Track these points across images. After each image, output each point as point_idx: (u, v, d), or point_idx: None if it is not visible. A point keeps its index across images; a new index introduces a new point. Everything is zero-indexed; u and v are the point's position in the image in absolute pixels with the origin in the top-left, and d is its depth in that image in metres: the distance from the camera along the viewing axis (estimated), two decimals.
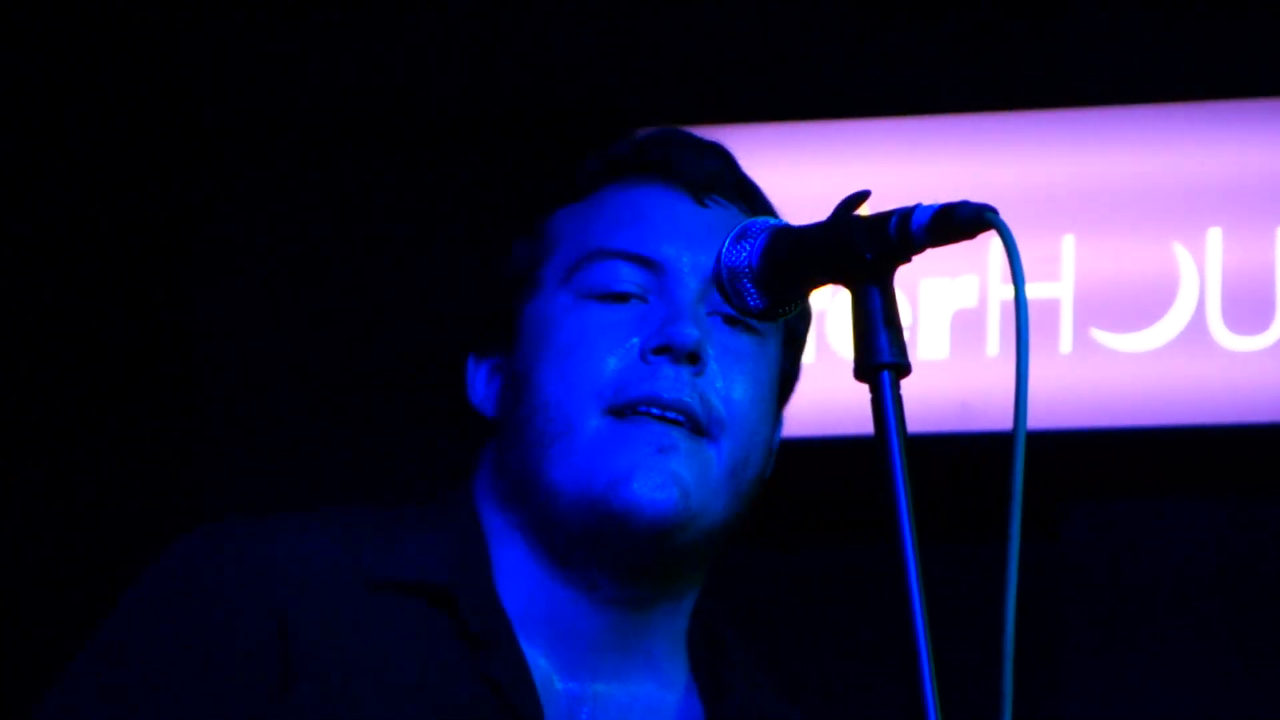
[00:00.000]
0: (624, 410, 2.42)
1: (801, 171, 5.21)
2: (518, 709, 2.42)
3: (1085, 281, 5.47)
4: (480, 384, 2.56)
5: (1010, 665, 2.08)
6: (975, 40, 5.64)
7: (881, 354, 2.15)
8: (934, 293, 5.50)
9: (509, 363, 2.51)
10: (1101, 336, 5.50)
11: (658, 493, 2.41)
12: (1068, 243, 5.50)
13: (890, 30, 5.62)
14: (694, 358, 2.43)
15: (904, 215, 2.15)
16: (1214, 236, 5.51)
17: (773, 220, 2.28)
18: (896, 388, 2.14)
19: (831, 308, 5.22)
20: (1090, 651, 5.56)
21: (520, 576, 2.48)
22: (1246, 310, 5.48)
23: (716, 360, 2.45)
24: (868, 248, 2.17)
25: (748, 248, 2.24)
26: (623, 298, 2.46)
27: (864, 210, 2.21)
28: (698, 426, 2.43)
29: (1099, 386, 5.48)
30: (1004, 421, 5.03)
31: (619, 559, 2.45)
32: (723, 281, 2.25)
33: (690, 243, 2.48)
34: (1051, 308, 5.45)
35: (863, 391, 2.16)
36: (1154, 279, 5.51)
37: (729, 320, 2.47)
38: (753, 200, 2.55)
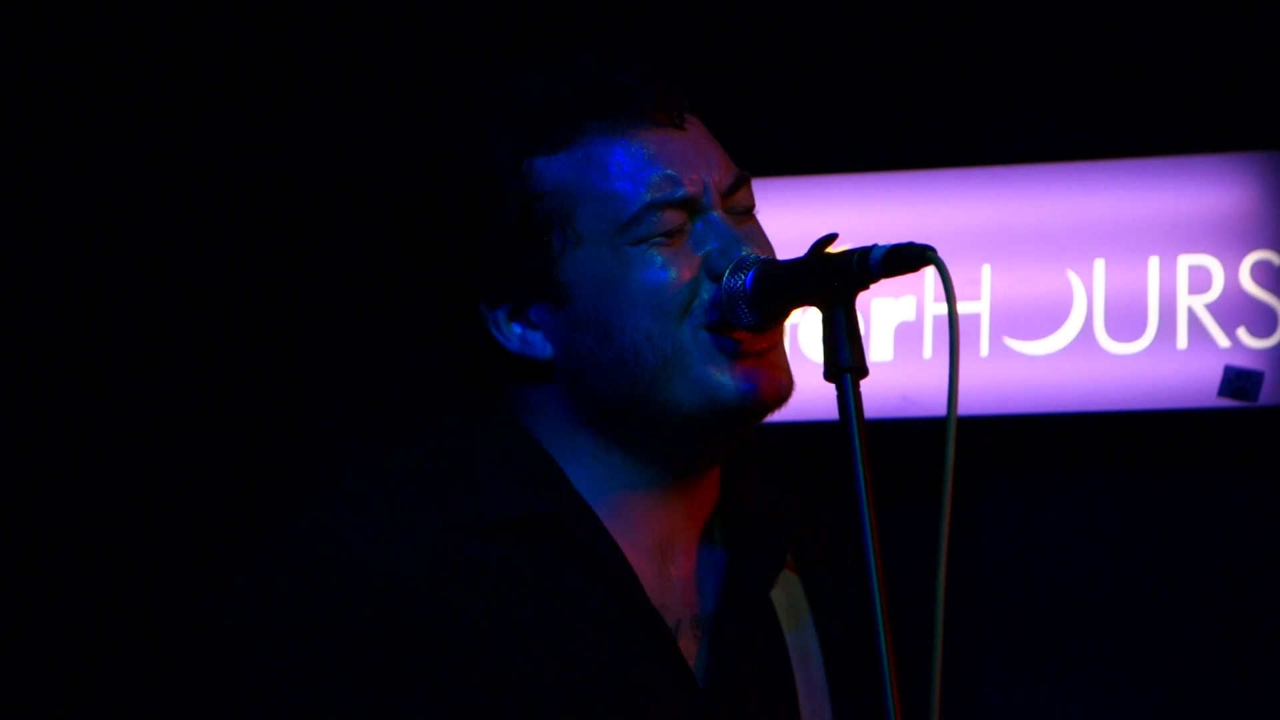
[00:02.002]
0: (718, 327, 2.26)
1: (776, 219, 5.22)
2: (642, 615, 2.26)
3: (1000, 301, 5.46)
4: (512, 332, 2.31)
5: (942, 598, 2.13)
6: (914, 111, 5.67)
7: (845, 360, 2.19)
8: (881, 310, 5.50)
9: (565, 311, 2.29)
10: (1012, 343, 5.48)
11: (775, 384, 2.29)
12: (986, 270, 5.49)
13: (847, 98, 5.63)
14: None
15: (863, 253, 2.19)
16: (1099, 266, 5.50)
17: (762, 257, 2.27)
18: (856, 386, 2.18)
19: (804, 323, 5.22)
20: (1004, 591, 5.54)
21: (606, 490, 2.30)
22: (1124, 323, 5.47)
23: None
24: (835, 278, 2.20)
25: (742, 277, 2.26)
26: (677, 238, 2.28)
27: (833, 248, 2.24)
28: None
29: (1010, 382, 5.45)
30: (937, 410, 5.08)
31: (725, 445, 2.34)
32: (722, 302, 2.26)
33: (700, 167, 2.31)
34: (974, 321, 5.43)
35: (829, 388, 2.21)
36: (1053, 298, 5.50)
37: (744, 214, 2.35)
38: (693, 99, 2.36)
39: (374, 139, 5.70)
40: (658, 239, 2.27)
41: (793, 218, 4.73)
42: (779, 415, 2.42)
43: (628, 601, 2.26)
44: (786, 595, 2.39)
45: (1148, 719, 5.43)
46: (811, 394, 2.50)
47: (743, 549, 2.36)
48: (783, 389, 2.30)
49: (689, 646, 2.29)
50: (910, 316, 5.51)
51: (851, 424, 2.17)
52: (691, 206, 2.30)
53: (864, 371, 2.19)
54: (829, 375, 2.20)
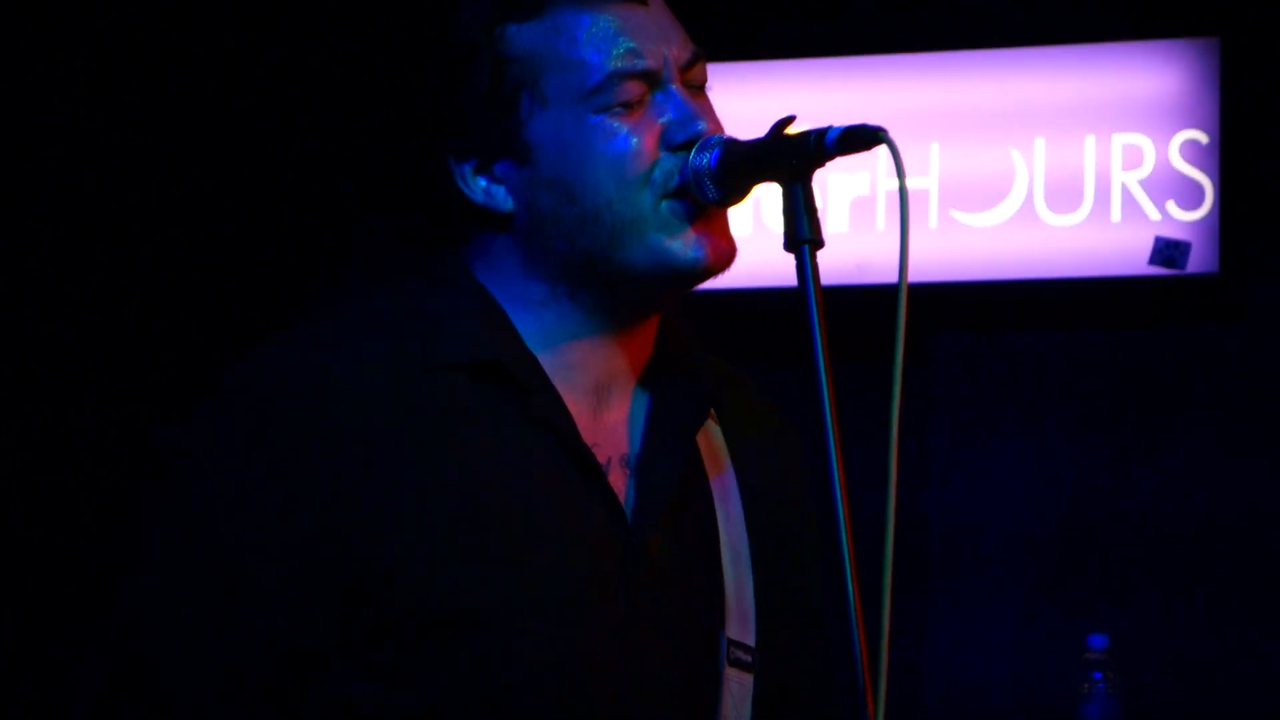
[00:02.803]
0: (675, 193, 2.25)
1: (731, 102, 5.21)
2: (575, 452, 2.26)
3: (947, 176, 5.45)
4: (479, 185, 2.30)
5: (895, 450, 2.12)
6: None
7: (803, 232, 2.18)
8: (838, 185, 5.47)
9: (528, 170, 2.28)
10: (959, 215, 5.47)
11: (720, 250, 2.28)
12: (934, 148, 5.47)
13: None
14: None
15: (820, 133, 2.18)
16: (1039, 144, 5.48)
17: (725, 137, 2.26)
18: (814, 257, 2.18)
19: (765, 197, 5.19)
20: (951, 444, 5.57)
21: (551, 336, 2.30)
22: (1062, 197, 5.46)
23: None
24: (794, 156, 2.19)
25: (707, 155, 2.24)
26: (637, 109, 2.26)
27: (792, 129, 2.23)
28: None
29: (957, 251, 5.45)
30: (889, 277, 5.07)
31: (668, 301, 2.35)
32: (687, 178, 2.25)
33: (661, 41, 2.29)
34: (922, 195, 5.42)
35: (789, 257, 2.19)
36: (996, 174, 5.48)
37: (698, 90, 2.32)
38: None
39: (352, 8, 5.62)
40: (618, 108, 2.25)
41: (747, 101, 4.69)
42: (739, 284, 2.39)
43: (562, 439, 2.26)
44: (708, 442, 2.40)
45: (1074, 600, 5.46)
46: (772, 262, 2.48)
47: (671, 396, 2.36)
48: (727, 254, 2.29)
49: (618, 482, 2.30)
50: (865, 191, 5.49)
51: (809, 291, 2.16)
52: (652, 79, 2.27)
53: (820, 243, 2.18)
54: (788, 246, 2.19)
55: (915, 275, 5.19)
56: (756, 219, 5.32)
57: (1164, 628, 5.33)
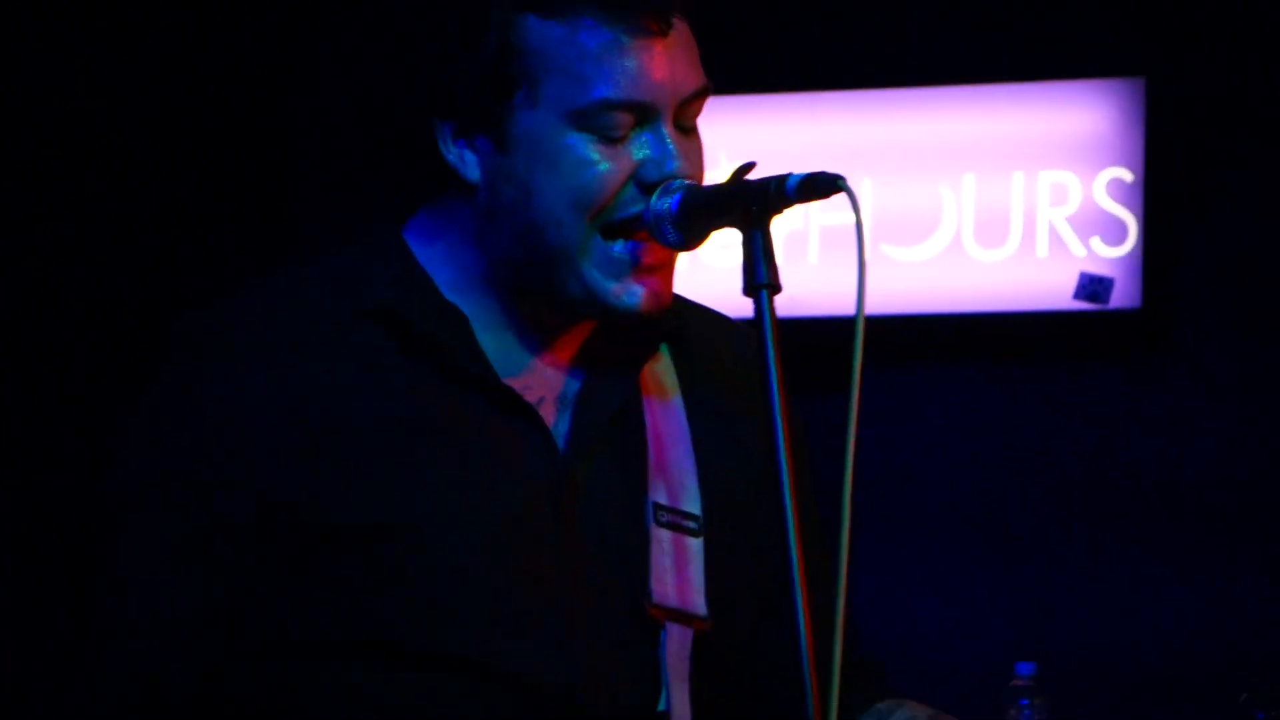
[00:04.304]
0: (630, 234, 2.27)
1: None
2: (490, 385, 2.29)
3: (878, 211, 5.51)
4: (452, 147, 2.30)
5: (849, 483, 2.18)
6: (799, 37, 5.68)
7: (761, 277, 2.19)
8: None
9: (502, 157, 2.28)
10: (889, 250, 5.54)
11: (655, 299, 2.29)
12: (865, 183, 5.53)
13: (743, 22, 5.63)
14: None
15: (780, 180, 2.18)
16: (968, 180, 5.55)
17: (687, 182, 2.26)
18: (772, 301, 2.19)
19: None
20: (876, 477, 5.60)
21: (477, 294, 2.33)
22: (990, 233, 5.52)
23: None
24: (754, 203, 2.20)
25: (669, 200, 2.24)
26: (619, 141, 2.26)
27: (750, 176, 2.23)
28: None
29: (886, 286, 5.51)
30: (819, 310, 5.09)
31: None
32: (648, 221, 2.25)
33: (668, 78, 2.27)
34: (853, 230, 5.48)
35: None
36: (926, 209, 5.55)
37: (688, 131, 2.31)
38: (683, 10, 2.33)
39: None
40: (598, 136, 2.26)
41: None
42: None
43: (482, 385, 2.29)
44: (655, 376, 2.40)
45: (998, 597, 5.51)
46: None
47: (619, 338, 2.37)
48: (662, 303, 2.30)
49: (551, 417, 2.32)
50: (799, 225, 5.54)
51: (766, 335, 2.18)
52: (643, 113, 2.27)
53: (778, 288, 2.20)
54: (747, 291, 2.20)
55: (845, 308, 5.27)
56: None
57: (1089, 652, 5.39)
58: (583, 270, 2.27)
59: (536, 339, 2.34)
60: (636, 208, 2.26)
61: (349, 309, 2.29)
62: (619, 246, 2.27)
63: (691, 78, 2.30)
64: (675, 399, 2.40)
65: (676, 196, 2.26)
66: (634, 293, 2.28)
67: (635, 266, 2.28)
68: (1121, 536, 5.45)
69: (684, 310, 2.44)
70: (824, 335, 5.01)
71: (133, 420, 2.32)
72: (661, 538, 2.32)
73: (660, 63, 2.27)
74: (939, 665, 5.44)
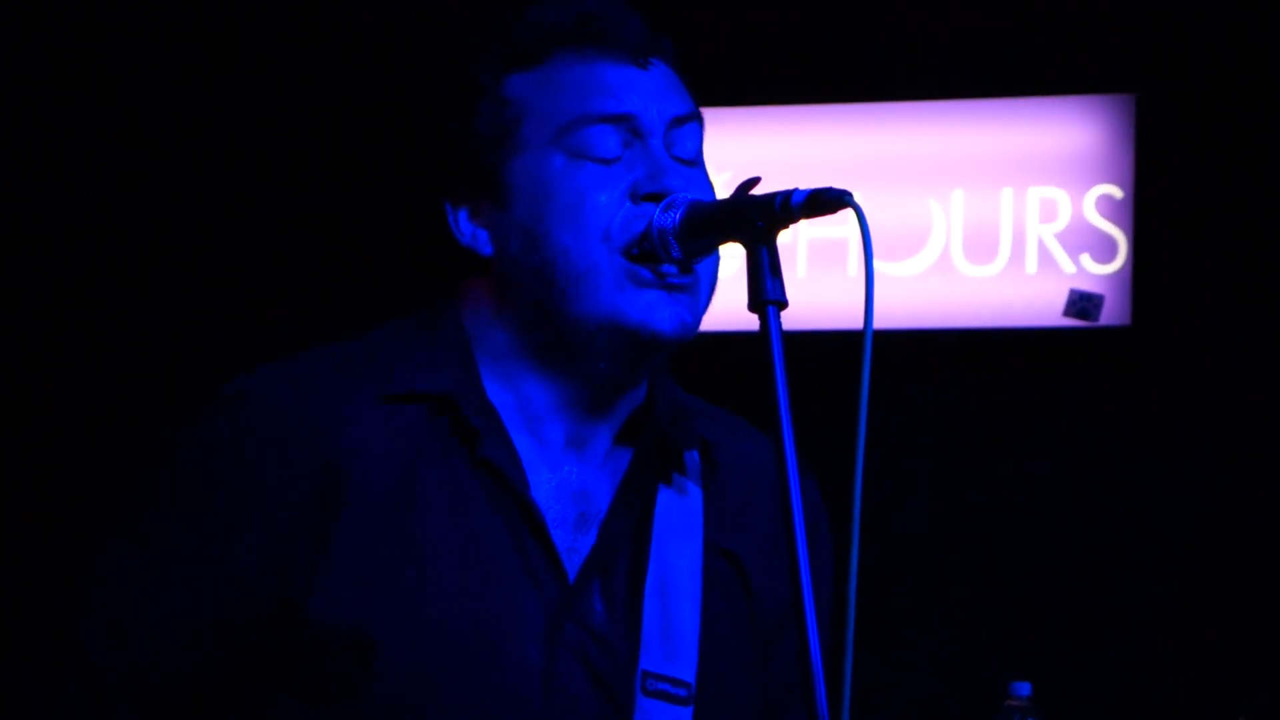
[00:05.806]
0: (640, 257, 2.24)
1: None
2: (511, 483, 2.25)
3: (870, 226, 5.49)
4: (465, 228, 2.30)
5: (858, 502, 2.17)
6: (794, 49, 5.67)
7: (768, 293, 2.20)
8: None
9: (503, 214, 2.27)
10: (877, 265, 5.45)
11: (675, 321, 2.26)
12: (855, 198, 5.48)
13: (735, 36, 5.62)
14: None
15: (786, 195, 2.18)
16: (958, 195, 5.55)
17: (690, 197, 2.25)
18: (778, 315, 2.20)
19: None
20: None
21: (515, 382, 2.29)
22: (979, 249, 5.51)
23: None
24: (760, 218, 2.20)
25: (673, 215, 2.23)
26: (612, 160, 2.25)
27: (755, 191, 2.23)
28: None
29: (875, 300, 5.40)
30: (807, 324, 5.05)
31: (631, 365, 2.30)
32: (653, 237, 2.23)
33: (651, 99, 2.28)
34: (842, 244, 5.48)
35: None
36: (915, 225, 5.54)
37: (685, 161, 2.31)
38: (670, 53, 2.36)
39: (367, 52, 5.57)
40: (589, 158, 2.25)
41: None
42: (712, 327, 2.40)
43: (507, 486, 2.25)
44: (676, 496, 2.36)
45: (990, 615, 5.50)
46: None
47: (651, 452, 2.33)
48: (686, 326, 2.27)
49: (575, 540, 2.28)
50: (787, 239, 5.46)
51: (775, 350, 2.17)
52: (629, 129, 2.27)
53: (785, 303, 2.20)
54: (753, 306, 2.19)
55: (834, 323, 5.26)
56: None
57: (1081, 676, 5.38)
58: (600, 292, 2.24)
59: (578, 439, 2.30)
60: (640, 225, 2.24)
61: (386, 389, 2.26)
62: (633, 268, 2.25)
63: (676, 101, 2.30)
64: (693, 535, 2.35)
65: (680, 211, 2.24)
66: (653, 311, 2.25)
67: (657, 285, 2.25)
68: (1113, 554, 5.44)
69: (704, 413, 2.42)
70: (811, 350, 5.02)
71: (160, 454, 2.28)
72: (647, 709, 2.28)
73: (641, 83, 2.28)
74: (934, 684, 5.43)
